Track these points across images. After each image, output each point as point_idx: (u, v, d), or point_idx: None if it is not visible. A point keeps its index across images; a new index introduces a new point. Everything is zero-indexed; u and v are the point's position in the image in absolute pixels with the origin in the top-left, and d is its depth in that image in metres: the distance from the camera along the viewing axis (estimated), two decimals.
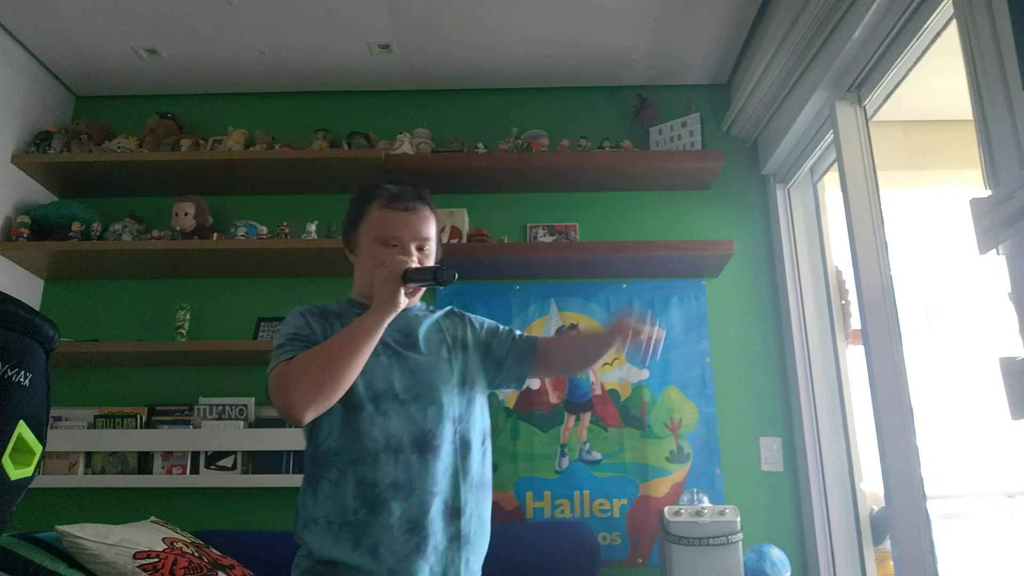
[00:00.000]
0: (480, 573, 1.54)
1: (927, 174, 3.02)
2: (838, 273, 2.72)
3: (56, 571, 1.76)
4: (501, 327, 1.72)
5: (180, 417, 2.69)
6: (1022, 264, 1.39)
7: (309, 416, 1.37)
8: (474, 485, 1.51)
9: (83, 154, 2.84)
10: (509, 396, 2.76)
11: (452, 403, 1.53)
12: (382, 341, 1.49)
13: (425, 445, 1.46)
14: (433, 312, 1.69)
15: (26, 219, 2.76)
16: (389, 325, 1.47)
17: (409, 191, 1.60)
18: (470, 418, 1.56)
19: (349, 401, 1.45)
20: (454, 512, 1.47)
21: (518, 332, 1.72)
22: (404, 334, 1.56)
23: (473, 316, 1.73)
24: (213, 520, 2.57)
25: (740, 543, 2.27)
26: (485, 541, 1.54)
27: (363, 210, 1.60)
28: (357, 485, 1.41)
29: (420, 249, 1.57)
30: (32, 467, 1.07)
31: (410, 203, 1.58)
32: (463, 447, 1.52)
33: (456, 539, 1.46)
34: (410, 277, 1.47)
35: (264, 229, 2.80)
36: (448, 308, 1.73)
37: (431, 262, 1.59)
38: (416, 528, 1.41)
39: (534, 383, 2.78)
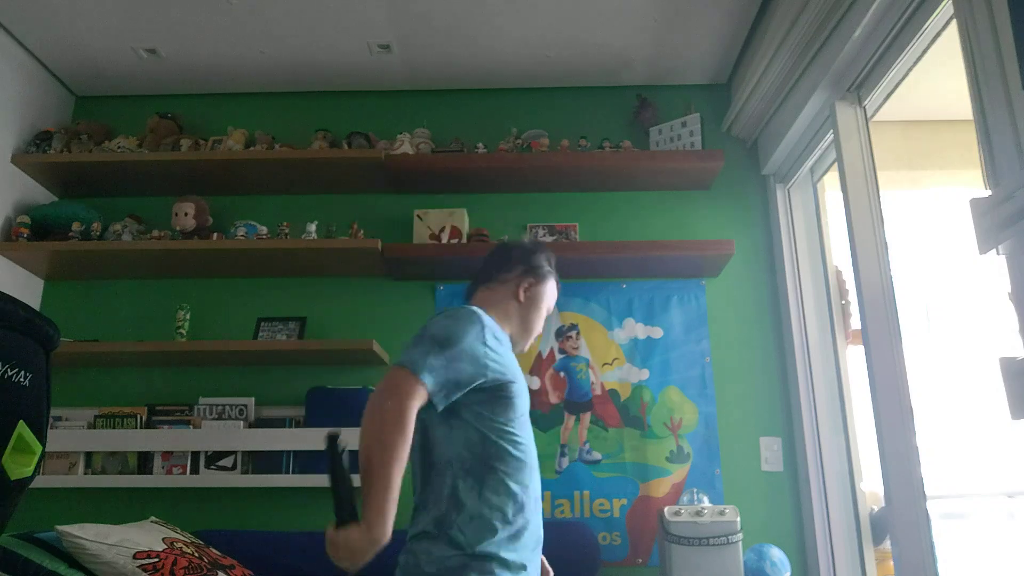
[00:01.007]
0: None
1: (927, 174, 3.02)
2: (838, 273, 2.72)
3: (56, 571, 1.76)
4: None
5: (180, 417, 2.69)
6: (1022, 264, 1.39)
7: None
8: None
9: (83, 154, 2.84)
10: None
11: None
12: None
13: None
14: None
15: (26, 219, 2.76)
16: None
17: None
18: None
19: (526, 414, 1.69)
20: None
21: None
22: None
23: None
24: (213, 520, 2.57)
25: (740, 543, 2.27)
26: None
27: (549, 274, 1.89)
28: (520, 488, 1.57)
29: None
30: (32, 467, 1.07)
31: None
32: None
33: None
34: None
35: (264, 229, 2.80)
36: None
37: None
38: (538, 532, 1.62)
39: (534, 382, 2.78)
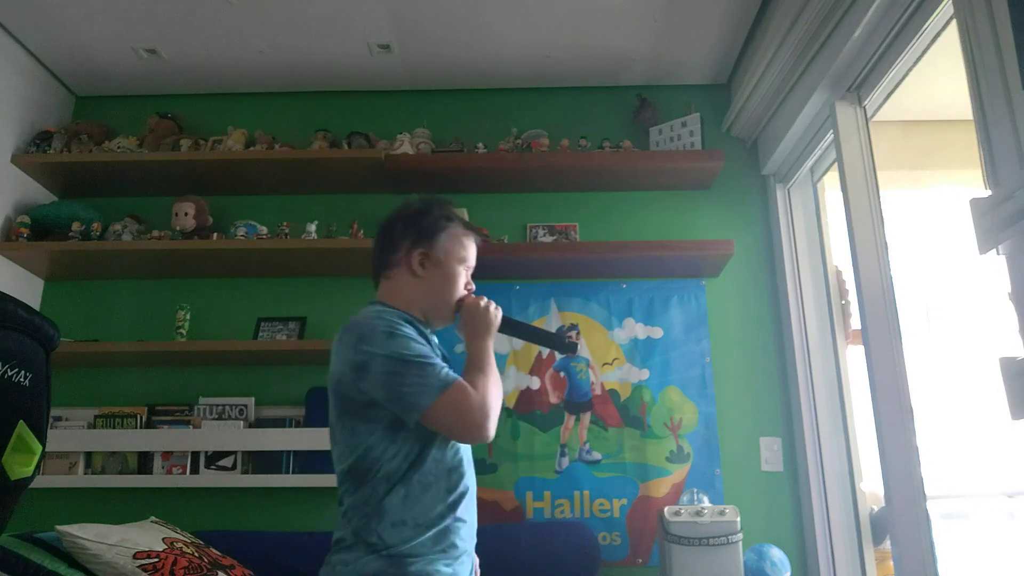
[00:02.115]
0: None
1: (927, 174, 3.02)
2: (838, 273, 2.72)
3: (56, 571, 1.75)
4: None
5: (180, 417, 2.69)
6: (1022, 264, 1.39)
7: None
8: None
9: (83, 154, 2.84)
10: (509, 396, 2.76)
11: None
12: (443, 356, 1.59)
13: (473, 461, 1.61)
14: None
15: (26, 219, 2.76)
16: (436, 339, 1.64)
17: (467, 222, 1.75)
18: None
19: None
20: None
21: None
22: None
23: None
24: (213, 520, 2.57)
25: (740, 543, 2.27)
26: None
27: (447, 227, 1.65)
28: (447, 492, 1.48)
29: None
30: (32, 467, 1.07)
31: (478, 236, 1.73)
32: None
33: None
34: (512, 325, 1.69)
35: (264, 229, 2.80)
36: None
37: None
38: (472, 534, 1.55)
39: (534, 382, 2.78)
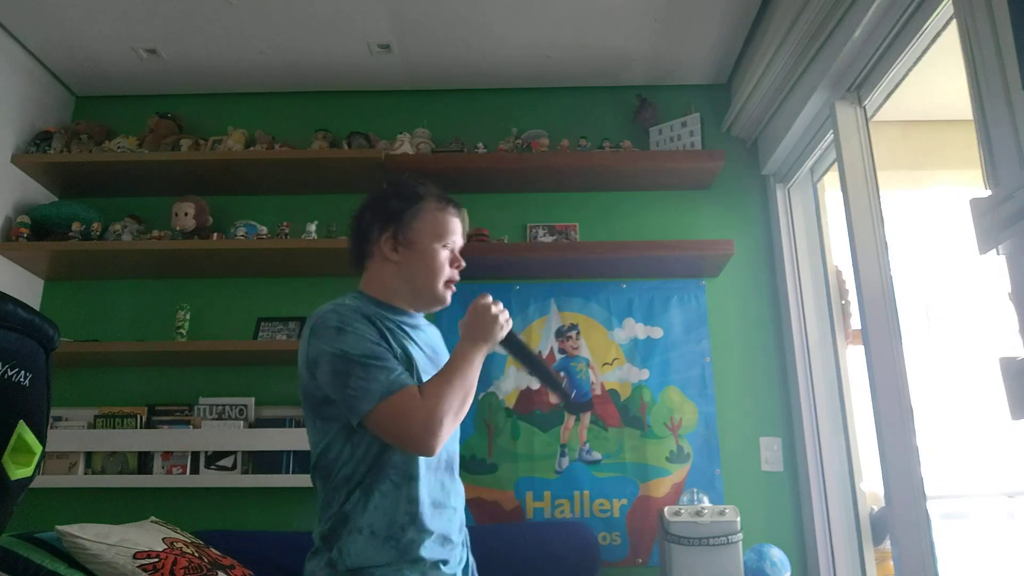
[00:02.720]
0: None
1: (927, 174, 3.02)
2: (838, 273, 2.72)
3: (56, 571, 1.75)
4: None
5: (180, 417, 2.69)
6: (1022, 264, 1.39)
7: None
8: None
9: (83, 154, 2.84)
10: (509, 396, 2.76)
11: None
12: (425, 355, 1.52)
13: (453, 465, 1.54)
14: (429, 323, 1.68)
15: (26, 219, 2.75)
16: (421, 338, 1.54)
17: (447, 195, 1.63)
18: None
19: None
20: (463, 524, 1.56)
21: None
22: (433, 349, 1.58)
23: None
24: (213, 520, 2.57)
25: (740, 543, 2.27)
26: None
27: (417, 207, 1.56)
28: (408, 501, 1.40)
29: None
30: (32, 467, 1.07)
31: (460, 208, 1.62)
32: (457, 465, 1.59)
33: (465, 545, 1.55)
34: (518, 347, 1.55)
35: (264, 229, 2.80)
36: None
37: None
38: (446, 542, 1.46)
39: (534, 382, 2.78)
